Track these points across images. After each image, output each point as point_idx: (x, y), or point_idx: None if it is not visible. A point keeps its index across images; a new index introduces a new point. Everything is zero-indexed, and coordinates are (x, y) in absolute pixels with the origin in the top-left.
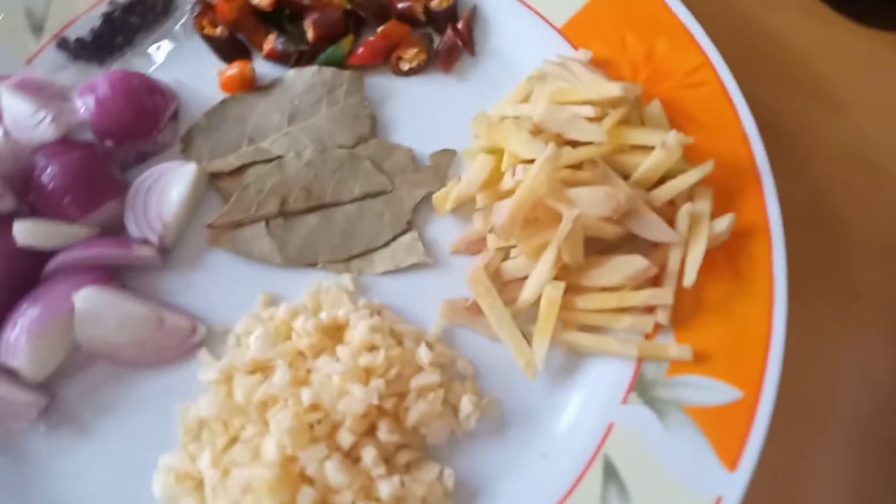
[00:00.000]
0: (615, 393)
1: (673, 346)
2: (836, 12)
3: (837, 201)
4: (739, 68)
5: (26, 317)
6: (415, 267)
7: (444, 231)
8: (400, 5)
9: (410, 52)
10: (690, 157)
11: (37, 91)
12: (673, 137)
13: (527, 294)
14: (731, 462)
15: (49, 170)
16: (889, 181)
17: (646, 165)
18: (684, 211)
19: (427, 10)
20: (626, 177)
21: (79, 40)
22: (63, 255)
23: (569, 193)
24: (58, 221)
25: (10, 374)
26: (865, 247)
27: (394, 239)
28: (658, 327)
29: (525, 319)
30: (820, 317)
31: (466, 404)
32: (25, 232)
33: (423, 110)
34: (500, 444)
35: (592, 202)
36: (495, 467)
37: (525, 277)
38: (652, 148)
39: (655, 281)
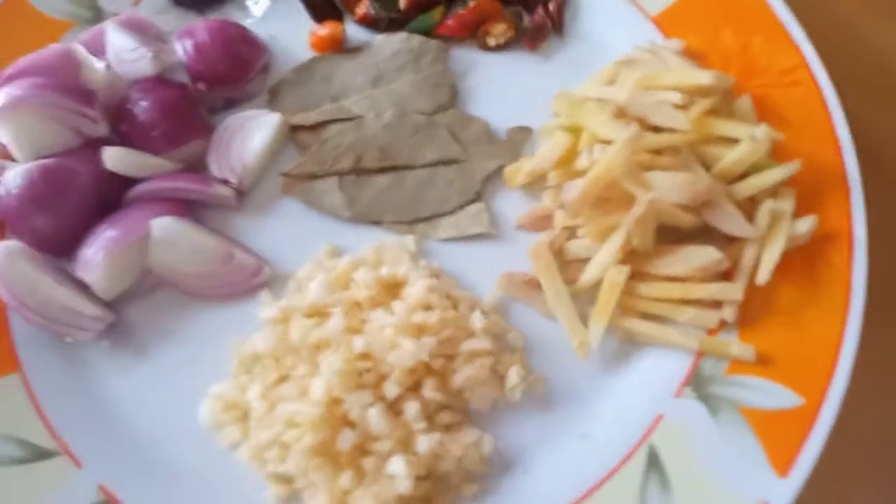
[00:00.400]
0: (668, 385)
1: (736, 345)
2: None
3: None
4: (838, 79)
5: (105, 236)
6: (478, 237)
7: (511, 205)
8: None
9: (499, 28)
10: (776, 156)
11: (140, 30)
12: (762, 131)
13: (589, 274)
14: (783, 468)
15: (143, 103)
16: None
17: (730, 158)
18: (766, 208)
19: None
20: (706, 168)
21: None
22: (146, 184)
23: (646, 177)
24: (144, 153)
25: (83, 287)
26: None
27: (461, 207)
28: (722, 324)
29: (582, 301)
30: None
31: (513, 375)
32: (114, 158)
33: (504, 86)
34: (542, 420)
35: (670, 188)
36: (534, 441)
37: (588, 259)
38: (736, 142)
39: (724, 276)
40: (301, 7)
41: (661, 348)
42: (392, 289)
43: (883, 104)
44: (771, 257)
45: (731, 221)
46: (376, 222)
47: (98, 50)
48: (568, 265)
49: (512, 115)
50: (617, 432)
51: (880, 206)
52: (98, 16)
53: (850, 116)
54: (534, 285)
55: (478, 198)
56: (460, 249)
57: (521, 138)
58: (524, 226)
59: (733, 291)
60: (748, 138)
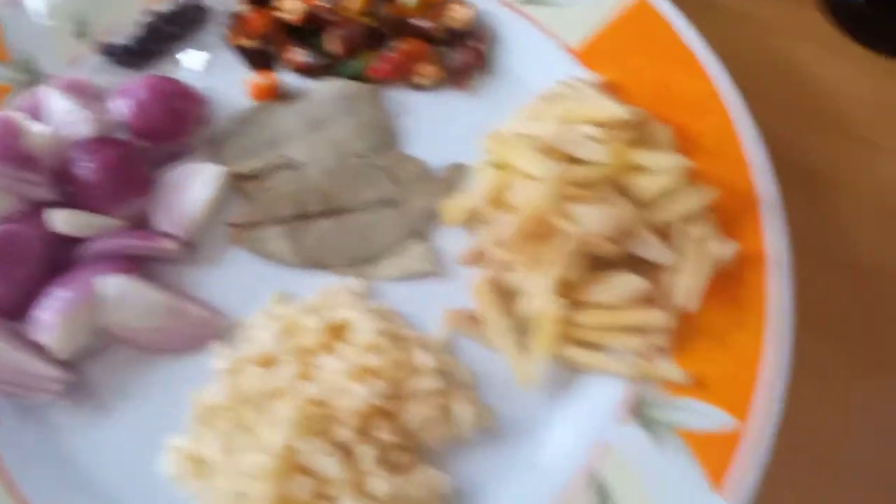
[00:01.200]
0: (610, 410)
1: (669, 369)
2: (860, 45)
3: (859, 241)
4: (759, 101)
5: (57, 297)
6: (422, 275)
7: (454, 242)
8: (419, 23)
9: (427, 69)
10: (697, 184)
11: (79, 91)
12: (677, 160)
13: (527, 308)
14: (723, 489)
15: (86, 164)
16: None
17: (649, 187)
18: (685, 234)
19: (445, 29)
20: (628, 198)
21: (119, 46)
22: (93, 244)
23: (572, 211)
24: (90, 212)
25: (38, 348)
26: (886, 289)
27: (404, 247)
28: (656, 349)
29: (526, 332)
30: (836, 358)
31: (464, 412)
32: (60, 220)
33: (437, 125)
34: (493, 452)
35: (594, 220)
36: (488, 475)
37: (527, 291)
38: (655, 172)
39: (657, 302)
40: (237, 58)
41: (603, 375)
42: (340, 332)
43: (811, 128)
44: (696, 283)
45: (652, 249)
46: (323, 267)
47: (37, 113)
48: (509, 298)
49: (447, 153)
50: (564, 460)
51: (810, 229)
52: (34, 78)
53: (778, 142)
54: (478, 320)
55: (420, 236)
56: (406, 289)
57: (457, 175)
58: (466, 262)
59: (662, 318)
60: (664, 167)
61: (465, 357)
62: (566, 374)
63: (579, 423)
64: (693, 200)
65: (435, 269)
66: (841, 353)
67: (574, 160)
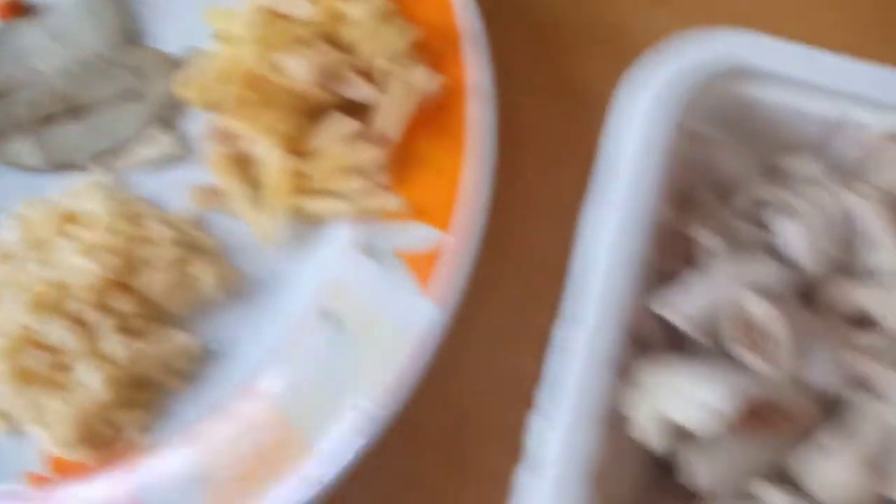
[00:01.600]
0: (342, 250)
1: (388, 200)
2: None
3: (576, 70)
4: None
5: None
6: (169, 160)
7: (199, 123)
8: None
9: None
10: (401, 25)
11: None
12: (376, 4)
13: (261, 170)
14: (434, 293)
15: None
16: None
17: (352, 32)
18: (391, 73)
19: None
20: (337, 45)
21: None
22: None
23: (278, 63)
24: None
25: None
26: (589, 113)
27: (149, 135)
28: (375, 184)
29: (263, 194)
30: (557, 179)
31: (207, 276)
32: None
33: (179, 18)
34: (243, 311)
35: (302, 69)
36: (237, 331)
37: (257, 153)
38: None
39: (371, 140)
40: None
41: (335, 220)
42: (77, 219)
43: None
44: (398, 114)
45: (360, 90)
46: (71, 167)
47: None
48: (247, 166)
49: (192, 43)
50: (304, 304)
51: (532, 63)
52: None
53: None
54: (221, 193)
55: (165, 123)
56: (155, 177)
57: (197, 59)
58: (212, 140)
59: (375, 153)
60: (366, 11)
61: (216, 229)
62: (303, 226)
63: (317, 268)
64: (396, 40)
65: (181, 153)
66: (552, 165)
67: (284, 18)
